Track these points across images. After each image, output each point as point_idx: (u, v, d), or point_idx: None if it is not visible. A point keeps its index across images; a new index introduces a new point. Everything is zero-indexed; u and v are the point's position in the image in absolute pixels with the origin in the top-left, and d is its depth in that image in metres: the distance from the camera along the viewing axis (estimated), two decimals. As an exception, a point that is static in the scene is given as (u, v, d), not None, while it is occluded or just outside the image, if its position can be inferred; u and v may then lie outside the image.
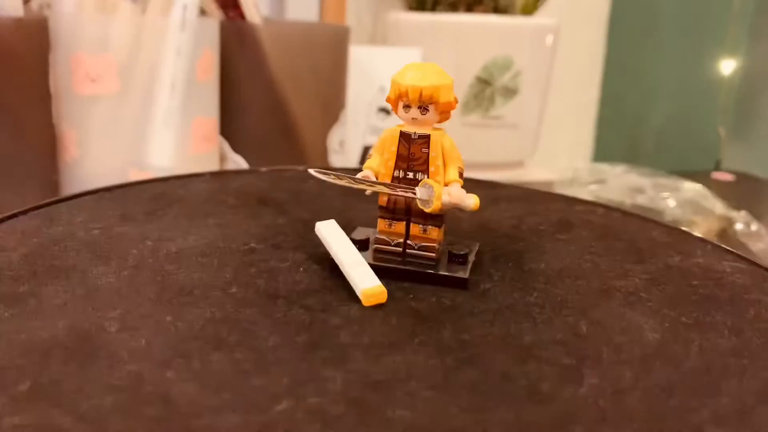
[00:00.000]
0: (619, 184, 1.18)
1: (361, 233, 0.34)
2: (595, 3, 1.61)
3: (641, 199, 1.12)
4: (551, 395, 0.23)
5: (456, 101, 0.31)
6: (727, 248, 0.38)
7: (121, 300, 0.28)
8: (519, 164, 1.29)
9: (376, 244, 0.33)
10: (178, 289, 0.29)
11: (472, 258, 0.33)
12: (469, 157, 1.23)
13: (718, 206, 1.09)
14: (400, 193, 0.31)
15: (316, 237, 0.33)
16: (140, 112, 0.71)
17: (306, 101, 0.88)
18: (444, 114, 0.31)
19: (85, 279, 0.30)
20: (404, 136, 0.31)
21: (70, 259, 0.32)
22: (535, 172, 1.29)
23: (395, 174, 0.31)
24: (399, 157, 0.31)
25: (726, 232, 1.03)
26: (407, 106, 0.30)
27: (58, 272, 0.30)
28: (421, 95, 0.30)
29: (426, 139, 0.31)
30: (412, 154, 0.31)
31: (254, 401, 0.22)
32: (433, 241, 0.32)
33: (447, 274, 0.31)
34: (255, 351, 0.25)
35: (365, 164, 0.32)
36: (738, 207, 1.11)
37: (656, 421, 0.22)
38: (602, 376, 0.24)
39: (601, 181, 1.21)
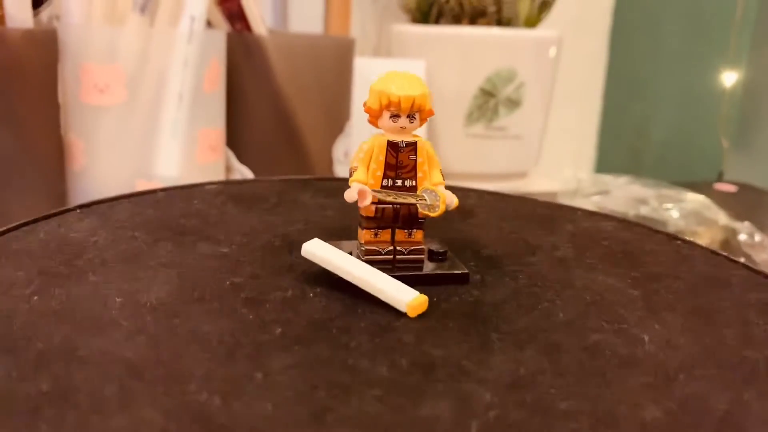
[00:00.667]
0: (623, 195, 1.18)
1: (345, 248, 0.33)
2: (598, 15, 1.62)
3: (644, 210, 1.12)
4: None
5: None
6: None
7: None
8: (522, 175, 1.30)
9: (366, 255, 0.32)
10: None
11: (450, 255, 0.34)
12: (472, 168, 1.24)
13: (722, 217, 1.09)
14: (412, 201, 0.31)
15: (278, 260, 0.33)
16: (147, 122, 0.72)
17: (311, 112, 0.89)
18: (423, 121, 0.32)
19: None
20: (392, 145, 0.31)
21: None
22: (538, 183, 1.29)
23: (384, 183, 0.32)
24: (387, 166, 0.32)
25: (729, 242, 1.03)
26: (396, 116, 0.31)
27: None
28: (413, 104, 0.30)
29: (413, 146, 0.32)
30: (401, 162, 0.31)
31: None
32: (419, 243, 0.33)
33: (451, 272, 0.32)
34: (391, 384, 0.23)
35: (354, 178, 0.32)
36: (741, 218, 1.11)
37: None
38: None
39: (604, 192, 1.21)
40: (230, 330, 0.26)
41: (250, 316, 0.28)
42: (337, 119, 0.95)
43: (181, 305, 0.29)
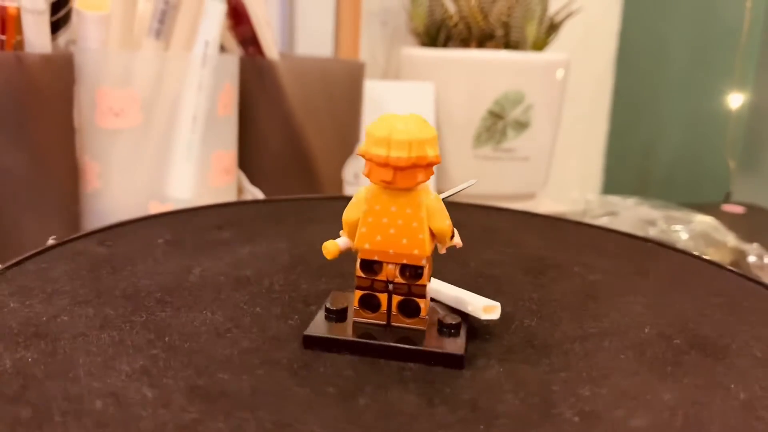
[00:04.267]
0: (631, 216, 1.18)
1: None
2: (604, 38, 1.64)
3: (653, 231, 1.12)
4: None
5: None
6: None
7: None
8: (530, 196, 1.30)
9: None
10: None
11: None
12: (481, 190, 1.24)
13: (730, 238, 1.09)
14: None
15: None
16: (161, 145, 0.73)
17: (322, 135, 0.90)
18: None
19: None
20: None
21: None
22: (546, 204, 1.30)
23: None
24: None
25: (739, 264, 1.03)
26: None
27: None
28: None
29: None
30: None
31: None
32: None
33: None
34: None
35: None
36: (750, 239, 1.11)
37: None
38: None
39: (612, 213, 1.21)
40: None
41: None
42: (347, 141, 0.96)
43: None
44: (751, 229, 1.23)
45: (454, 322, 0.29)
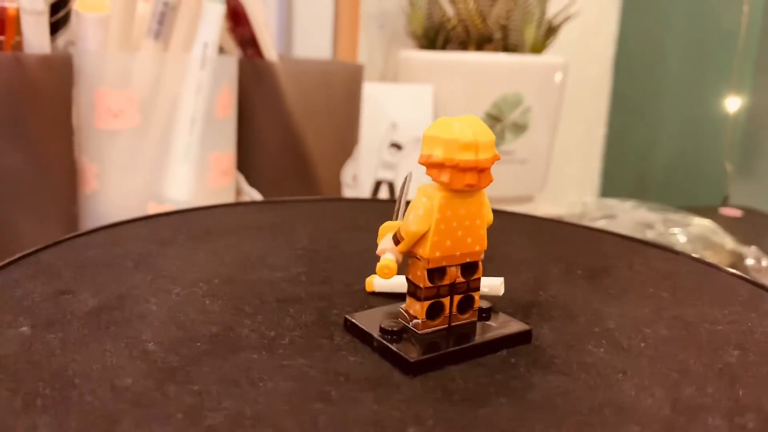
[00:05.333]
0: (629, 219, 1.18)
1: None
2: (602, 41, 1.64)
3: (651, 234, 1.12)
4: None
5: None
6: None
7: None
8: (528, 199, 1.30)
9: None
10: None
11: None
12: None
13: (728, 241, 1.09)
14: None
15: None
16: (160, 146, 0.73)
17: (320, 137, 0.90)
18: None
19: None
20: None
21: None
22: (544, 207, 1.30)
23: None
24: None
25: (737, 267, 1.03)
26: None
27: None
28: None
29: None
30: None
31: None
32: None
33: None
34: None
35: None
36: (748, 242, 1.11)
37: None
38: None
39: (610, 216, 1.21)
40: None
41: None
42: (346, 143, 0.96)
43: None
44: (748, 232, 1.24)
45: (485, 307, 0.31)
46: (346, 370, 0.27)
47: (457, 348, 0.28)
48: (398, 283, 0.33)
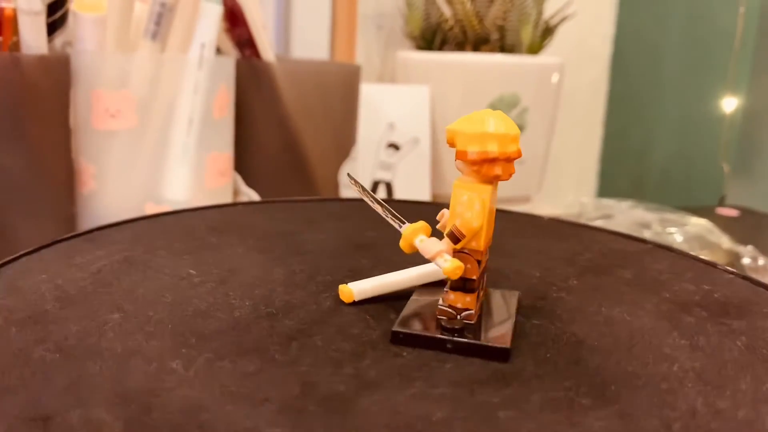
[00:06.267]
0: (626, 219, 1.18)
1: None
2: (599, 42, 1.65)
3: (648, 234, 1.12)
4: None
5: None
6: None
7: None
8: (526, 199, 1.30)
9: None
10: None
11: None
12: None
13: (725, 241, 1.09)
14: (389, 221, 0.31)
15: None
16: (157, 147, 0.73)
17: (318, 137, 0.90)
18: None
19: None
20: None
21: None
22: (541, 208, 1.30)
23: None
24: None
25: (733, 266, 1.03)
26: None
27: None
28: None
29: None
30: None
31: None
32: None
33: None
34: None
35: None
36: (744, 242, 1.12)
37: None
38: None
39: (607, 216, 1.22)
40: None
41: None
42: (343, 144, 0.96)
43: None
44: (745, 232, 1.24)
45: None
46: (467, 380, 0.25)
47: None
48: (378, 287, 0.33)
